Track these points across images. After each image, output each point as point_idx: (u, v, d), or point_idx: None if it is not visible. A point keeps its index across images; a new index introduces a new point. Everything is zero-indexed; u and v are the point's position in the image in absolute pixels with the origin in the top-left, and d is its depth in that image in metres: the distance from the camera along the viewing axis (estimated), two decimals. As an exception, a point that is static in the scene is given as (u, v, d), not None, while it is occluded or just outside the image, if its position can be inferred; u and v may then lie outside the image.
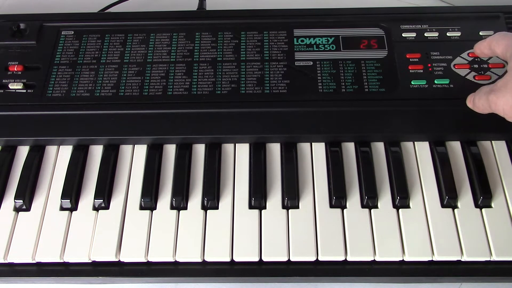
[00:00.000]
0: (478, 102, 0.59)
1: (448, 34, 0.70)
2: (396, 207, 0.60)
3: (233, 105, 0.65)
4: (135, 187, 0.62)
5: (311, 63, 0.68)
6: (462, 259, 0.57)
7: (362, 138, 0.64)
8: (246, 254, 0.57)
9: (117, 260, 0.58)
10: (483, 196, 0.59)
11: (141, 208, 0.61)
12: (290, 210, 0.60)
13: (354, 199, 0.60)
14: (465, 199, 0.60)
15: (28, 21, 0.72)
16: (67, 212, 0.60)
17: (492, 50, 0.61)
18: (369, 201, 0.60)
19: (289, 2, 0.82)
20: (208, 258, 0.57)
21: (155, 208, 0.60)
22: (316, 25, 0.71)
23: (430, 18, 0.71)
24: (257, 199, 0.60)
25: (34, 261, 0.58)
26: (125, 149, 0.65)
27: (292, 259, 0.57)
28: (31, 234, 0.59)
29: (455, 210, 0.59)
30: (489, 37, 0.61)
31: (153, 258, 0.57)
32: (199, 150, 0.64)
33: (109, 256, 0.57)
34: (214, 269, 0.57)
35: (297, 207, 0.60)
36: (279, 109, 0.65)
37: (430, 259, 0.57)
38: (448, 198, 0.59)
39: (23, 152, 0.65)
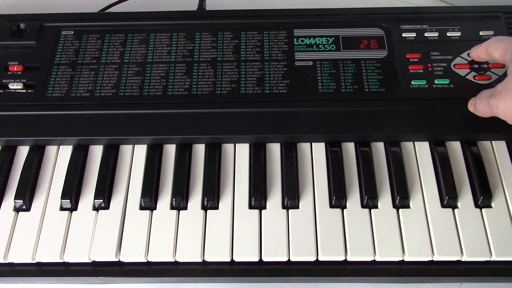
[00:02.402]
0: (479, 106, 0.59)
1: (448, 34, 0.69)
2: (396, 207, 0.60)
3: (233, 105, 0.65)
4: (135, 187, 0.62)
5: (311, 63, 0.68)
6: (462, 259, 0.57)
7: (362, 138, 0.64)
8: (246, 254, 0.57)
9: (117, 260, 0.58)
10: (483, 196, 0.59)
11: (141, 208, 0.61)
12: (290, 210, 0.60)
13: (354, 199, 0.60)
14: (465, 199, 0.60)
15: (28, 21, 0.72)
16: (67, 212, 0.60)
17: (489, 55, 0.61)
18: (369, 201, 0.60)
19: (289, 2, 0.82)
20: (208, 258, 0.57)
21: (155, 208, 0.60)
22: (316, 25, 0.71)
23: (430, 18, 0.71)
24: (257, 199, 0.60)
25: (34, 261, 0.58)
26: (125, 149, 0.65)
27: (292, 259, 0.57)
28: (31, 234, 0.59)
29: (455, 210, 0.59)
30: (486, 42, 0.62)
31: (153, 258, 0.57)
32: (199, 150, 0.64)
33: (109, 256, 0.57)
34: (214, 269, 0.57)
35: (297, 207, 0.60)
36: (279, 109, 0.64)
37: (430, 259, 0.57)
38: (448, 198, 0.59)
39: (23, 152, 0.65)
